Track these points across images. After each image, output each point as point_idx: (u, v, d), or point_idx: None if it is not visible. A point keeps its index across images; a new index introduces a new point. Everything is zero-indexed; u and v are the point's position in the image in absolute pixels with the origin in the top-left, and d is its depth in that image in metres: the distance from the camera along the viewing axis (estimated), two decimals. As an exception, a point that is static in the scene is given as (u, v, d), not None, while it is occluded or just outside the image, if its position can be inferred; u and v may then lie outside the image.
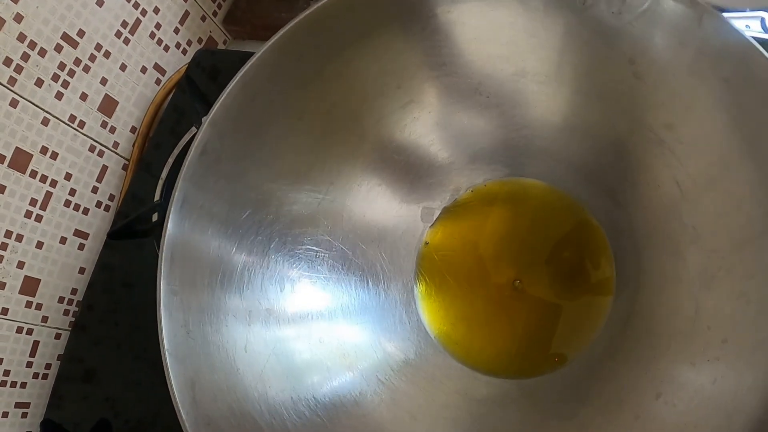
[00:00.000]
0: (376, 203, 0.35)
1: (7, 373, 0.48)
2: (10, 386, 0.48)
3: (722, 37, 0.29)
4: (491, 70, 0.31)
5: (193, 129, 0.51)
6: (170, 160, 0.51)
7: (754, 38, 0.47)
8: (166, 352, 0.27)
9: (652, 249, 0.31)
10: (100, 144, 0.51)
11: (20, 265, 0.47)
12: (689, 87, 0.30)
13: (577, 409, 0.30)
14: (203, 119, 0.30)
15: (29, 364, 0.49)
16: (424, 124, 0.34)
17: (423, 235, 0.36)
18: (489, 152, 0.35)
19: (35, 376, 0.50)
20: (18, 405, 0.49)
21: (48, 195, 0.47)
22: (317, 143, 0.33)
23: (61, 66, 0.46)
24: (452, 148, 0.35)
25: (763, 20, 0.46)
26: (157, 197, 0.48)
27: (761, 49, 0.28)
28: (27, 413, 0.50)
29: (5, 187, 0.44)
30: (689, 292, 0.29)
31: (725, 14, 0.29)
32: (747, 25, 0.46)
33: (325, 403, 0.30)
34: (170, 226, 0.28)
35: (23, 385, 0.49)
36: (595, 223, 0.33)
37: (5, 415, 0.48)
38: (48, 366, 0.51)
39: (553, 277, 0.34)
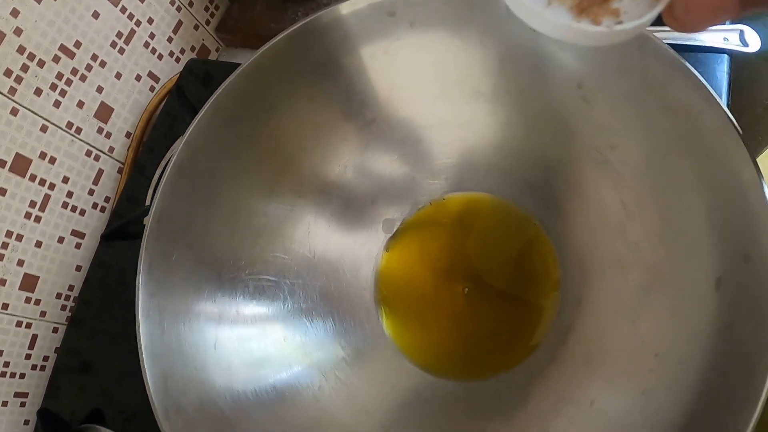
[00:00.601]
0: (340, 216, 0.37)
1: (6, 364, 0.51)
2: (10, 377, 0.52)
3: (665, 65, 0.31)
4: (447, 94, 0.33)
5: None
6: (163, 163, 0.54)
7: (733, 51, 0.48)
8: (143, 349, 0.30)
9: (596, 263, 0.34)
10: (96, 149, 0.54)
11: (20, 263, 0.50)
12: (633, 112, 0.32)
13: (516, 411, 0.32)
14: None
15: (28, 356, 0.53)
16: (388, 143, 0.36)
17: (383, 244, 0.39)
18: (447, 168, 0.37)
19: (33, 367, 0.54)
20: (17, 395, 0.53)
21: (47, 197, 0.51)
22: (285, 161, 0.35)
23: (59, 76, 0.49)
24: (412, 165, 0.37)
25: (741, 33, 0.47)
26: (148, 201, 0.51)
27: (701, 78, 0.30)
28: (25, 402, 0.53)
29: (6, 190, 0.47)
30: (629, 306, 0.32)
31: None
32: (725, 38, 0.47)
33: (285, 395, 0.33)
34: (148, 236, 0.31)
35: (22, 375, 0.53)
36: (543, 234, 0.36)
37: (5, 404, 0.52)
38: (46, 358, 0.54)
39: (500, 284, 0.36)
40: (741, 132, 0.27)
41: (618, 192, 0.33)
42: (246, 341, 0.33)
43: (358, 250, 0.38)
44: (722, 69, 0.44)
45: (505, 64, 0.32)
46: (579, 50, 0.32)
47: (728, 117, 0.28)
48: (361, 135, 0.36)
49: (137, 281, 0.32)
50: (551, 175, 0.35)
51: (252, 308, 0.34)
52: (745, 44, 0.47)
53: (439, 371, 0.35)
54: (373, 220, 0.38)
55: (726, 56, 0.45)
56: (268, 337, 0.34)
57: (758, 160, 0.28)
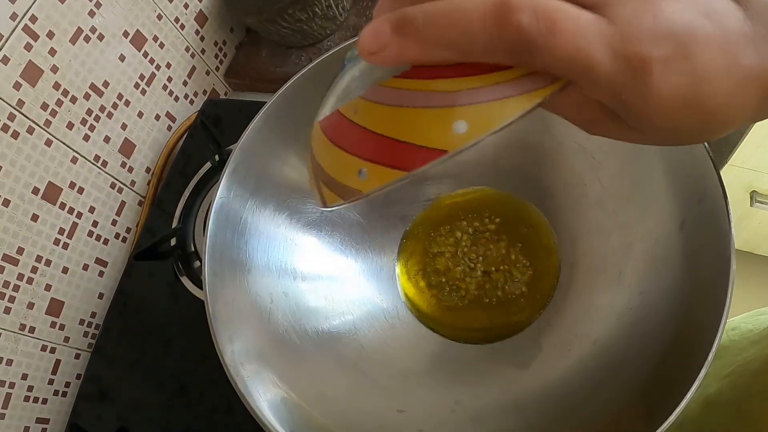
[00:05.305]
0: (367, 215, 0.46)
1: (30, 388, 0.55)
2: (33, 401, 0.56)
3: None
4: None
5: (202, 169, 0.61)
6: (183, 200, 0.61)
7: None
8: (211, 319, 0.36)
9: (583, 232, 0.43)
10: (120, 182, 0.61)
11: (47, 287, 0.56)
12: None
13: (532, 360, 0.40)
14: (232, 147, 0.41)
15: (51, 381, 0.57)
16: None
17: (402, 235, 0.47)
18: (453, 170, 0.47)
19: (56, 393, 0.58)
20: (39, 420, 0.57)
21: (74, 225, 0.57)
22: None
23: (89, 112, 0.57)
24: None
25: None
26: (175, 223, 0.58)
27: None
28: (46, 429, 0.57)
29: (38, 216, 0.54)
30: (613, 262, 0.41)
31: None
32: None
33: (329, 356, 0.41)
34: (212, 220, 0.39)
35: (44, 401, 0.57)
36: (542, 217, 0.45)
37: (26, 430, 0.55)
38: (67, 384, 0.59)
39: (510, 265, 0.45)
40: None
41: (595, 172, 0.42)
42: (300, 313, 0.41)
43: (383, 240, 0.46)
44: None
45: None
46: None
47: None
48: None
49: (203, 265, 0.38)
50: (540, 167, 0.44)
51: (305, 271, 0.43)
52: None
53: (463, 340, 0.43)
54: (392, 215, 0.47)
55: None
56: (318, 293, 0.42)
57: (722, 171, 0.38)
